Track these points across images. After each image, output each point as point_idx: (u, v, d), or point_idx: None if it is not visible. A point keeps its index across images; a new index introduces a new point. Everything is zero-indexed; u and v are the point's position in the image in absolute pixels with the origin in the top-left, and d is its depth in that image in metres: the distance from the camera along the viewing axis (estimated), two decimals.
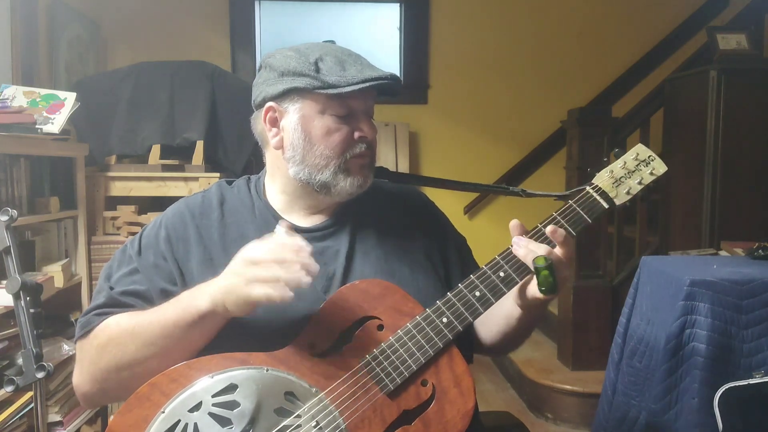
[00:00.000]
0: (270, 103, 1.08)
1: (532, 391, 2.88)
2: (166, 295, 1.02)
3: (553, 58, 3.87)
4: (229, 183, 1.18)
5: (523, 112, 3.88)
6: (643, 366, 1.79)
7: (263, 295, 0.87)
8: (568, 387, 2.72)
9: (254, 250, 0.91)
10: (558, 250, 0.97)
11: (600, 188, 1.06)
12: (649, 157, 1.09)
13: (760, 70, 2.79)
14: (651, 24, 3.92)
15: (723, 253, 2.26)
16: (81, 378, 1.03)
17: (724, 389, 1.52)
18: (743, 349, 1.64)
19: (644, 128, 3.11)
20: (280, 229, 0.93)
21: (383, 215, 1.16)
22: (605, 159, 1.10)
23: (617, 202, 1.05)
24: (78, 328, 1.05)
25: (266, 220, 1.10)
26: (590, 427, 2.41)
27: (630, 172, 1.08)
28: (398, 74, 3.81)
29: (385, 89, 1.08)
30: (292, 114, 1.06)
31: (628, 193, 1.06)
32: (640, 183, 1.07)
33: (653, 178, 1.07)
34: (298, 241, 0.90)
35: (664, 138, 3.12)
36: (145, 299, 1.04)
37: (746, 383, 1.53)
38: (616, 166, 1.08)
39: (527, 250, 0.96)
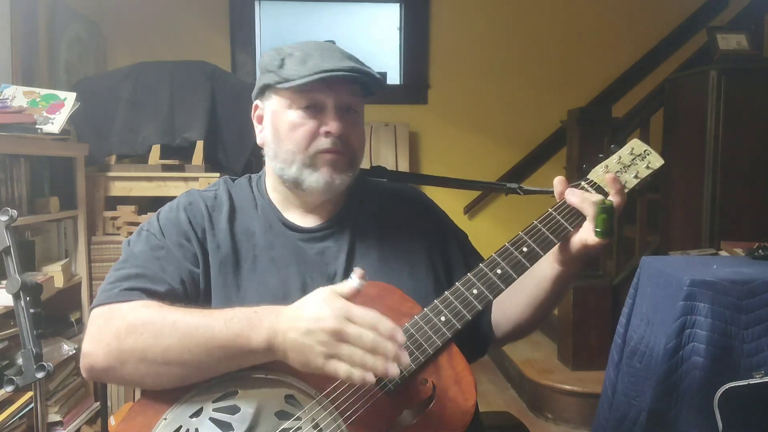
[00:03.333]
0: (256, 101, 1.11)
1: (532, 391, 2.88)
2: (192, 276, 1.02)
3: (553, 58, 3.87)
4: (232, 180, 1.18)
5: (523, 112, 3.88)
6: (643, 366, 1.78)
7: (343, 375, 0.82)
8: (568, 387, 2.72)
9: (338, 317, 0.83)
10: (614, 198, 0.99)
11: (595, 183, 1.06)
12: (645, 151, 1.09)
13: (760, 70, 2.79)
14: (651, 24, 3.92)
15: (723, 253, 2.25)
16: (95, 348, 0.93)
17: (724, 389, 1.52)
18: (743, 349, 1.64)
19: (644, 128, 3.11)
20: (355, 277, 0.88)
21: (383, 215, 1.15)
22: (601, 155, 1.10)
23: None
24: (102, 297, 0.98)
25: (269, 218, 1.11)
26: (590, 427, 2.41)
27: (626, 166, 1.08)
28: (399, 74, 3.84)
29: (367, 85, 1.07)
30: (267, 110, 1.09)
31: (623, 186, 1.06)
32: (636, 177, 1.07)
33: (650, 171, 1.07)
34: (393, 325, 0.84)
35: (664, 138, 3.12)
36: (171, 278, 1.00)
37: (746, 383, 1.53)
38: (612, 161, 1.08)
39: (582, 198, 0.98)
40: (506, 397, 3.06)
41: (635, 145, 1.10)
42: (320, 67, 1.00)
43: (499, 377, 3.31)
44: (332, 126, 1.03)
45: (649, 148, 1.09)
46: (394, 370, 0.81)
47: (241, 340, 0.88)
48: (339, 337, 0.83)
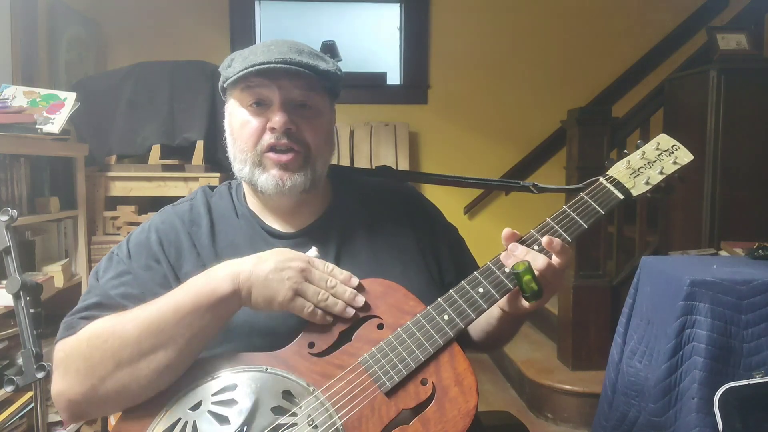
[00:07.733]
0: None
1: (532, 391, 2.88)
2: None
3: (553, 58, 3.87)
4: (211, 189, 1.15)
5: (523, 112, 3.88)
6: (643, 366, 1.79)
7: (306, 313, 0.91)
8: (568, 387, 2.72)
9: (304, 261, 0.93)
10: (555, 259, 0.94)
11: (615, 179, 1.01)
12: (672, 146, 1.04)
13: (760, 70, 2.79)
14: (651, 24, 3.92)
15: (723, 253, 2.26)
16: (67, 381, 0.90)
17: (724, 389, 1.52)
18: (743, 349, 1.64)
19: (644, 128, 3.11)
20: (313, 250, 0.97)
21: (371, 213, 1.13)
22: (625, 151, 1.05)
23: (634, 193, 1.01)
24: (62, 329, 0.96)
25: (252, 226, 1.08)
26: (590, 427, 2.41)
27: (650, 162, 1.03)
28: (399, 74, 3.84)
29: (329, 80, 1.03)
30: (226, 113, 1.08)
31: (647, 183, 1.01)
32: (661, 173, 1.01)
33: (677, 167, 1.02)
34: (348, 273, 0.94)
35: None
36: (136, 303, 0.97)
37: (746, 383, 1.53)
38: (635, 157, 1.03)
39: (517, 260, 0.93)
40: (506, 397, 3.06)
41: (662, 140, 1.05)
42: (253, 61, 0.99)
43: (499, 377, 3.31)
44: (275, 121, 1.00)
45: (678, 143, 1.04)
46: (350, 312, 0.93)
47: (204, 296, 0.90)
48: (305, 276, 0.92)
